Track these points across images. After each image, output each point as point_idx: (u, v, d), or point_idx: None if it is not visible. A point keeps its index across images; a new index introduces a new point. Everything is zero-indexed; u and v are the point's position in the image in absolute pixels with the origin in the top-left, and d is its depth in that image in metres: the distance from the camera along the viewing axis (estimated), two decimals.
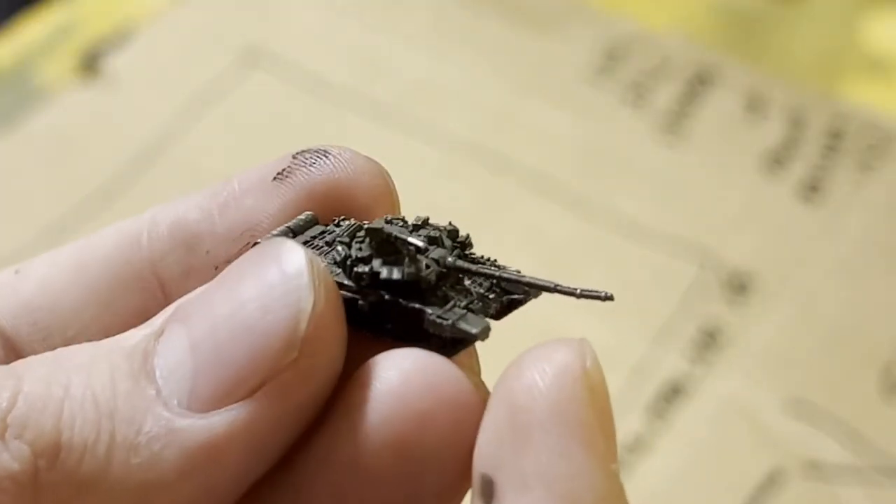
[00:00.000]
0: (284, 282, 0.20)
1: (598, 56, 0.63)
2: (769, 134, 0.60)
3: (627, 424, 0.49)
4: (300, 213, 0.23)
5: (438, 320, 0.21)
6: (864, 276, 0.55)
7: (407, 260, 0.21)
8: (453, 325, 0.21)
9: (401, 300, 0.21)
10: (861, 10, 0.66)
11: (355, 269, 0.21)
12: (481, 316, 0.22)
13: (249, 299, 0.20)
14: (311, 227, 0.23)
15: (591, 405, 0.20)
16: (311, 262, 0.20)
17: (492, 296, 0.22)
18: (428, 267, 0.21)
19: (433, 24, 0.65)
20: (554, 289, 0.22)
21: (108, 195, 0.57)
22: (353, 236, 0.22)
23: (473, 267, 0.22)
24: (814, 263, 0.55)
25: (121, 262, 0.23)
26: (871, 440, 0.49)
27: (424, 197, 0.58)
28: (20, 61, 0.63)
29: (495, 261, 0.23)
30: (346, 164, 0.23)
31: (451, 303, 0.21)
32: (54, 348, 0.21)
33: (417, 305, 0.21)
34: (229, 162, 0.59)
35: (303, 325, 0.20)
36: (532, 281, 0.22)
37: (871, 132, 0.60)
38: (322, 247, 0.22)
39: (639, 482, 0.48)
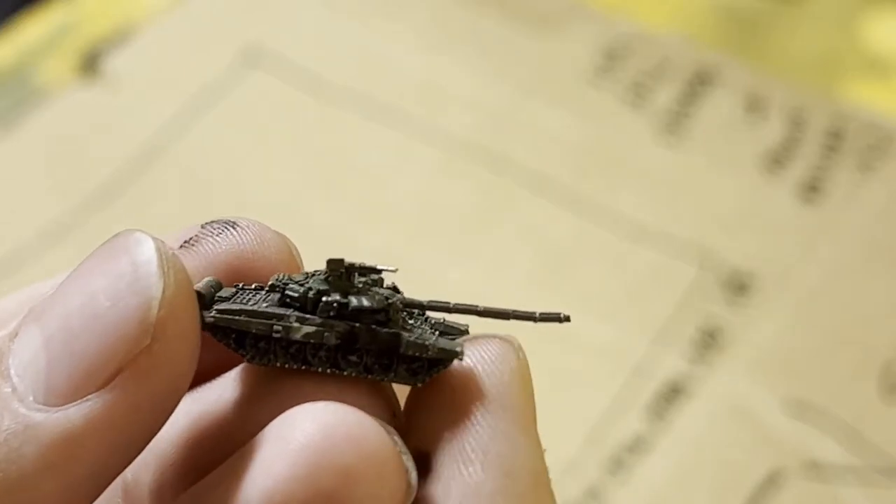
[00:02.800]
0: (134, 270, 0.20)
1: (598, 56, 0.63)
2: (769, 134, 0.60)
3: (627, 424, 0.49)
4: (204, 278, 0.23)
5: (419, 341, 0.21)
6: (864, 276, 0.55)
7: (371, 290, 0.22)
8: (435, 345, 0.21)
9: (374, 326, 0.21)
10: (861, 10, 0.66)
11: (323, 299, 0.21)
12: (451, 339, 0.22)
13: (99, 290, 0.20)
14: (219, 289, 0.23)
15: (525, 392, 0.21)
16: (160, 250, 0.20)
17: (436, 333, 0.22)
18: (387, 298, 0.22)
19: (433, 25, 0.65)
20: (511, 315, 0.23)
21: (108, 195, 0.57)
22: (290, 281, 0.22)
23: (425, 302, 0.22)
24: (814, 263, 0.55)
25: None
26: (871, 440, 0.49)
27: (424, 197, 0.58)
28: (20, 61, 0.63)
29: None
30: (252, 237, 0.23)
31: (419, 330, 0.22)
32: None
33: (394, 330, 0.21)
34: (229, 162, 0.59)
35: (154, 311, 0.20)
36: (488, 309, 0.23)
37: (871, 132, 0.60)
38: (253, 295, 0.22)
39: (639, 482, 0.48)
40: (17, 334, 0.21)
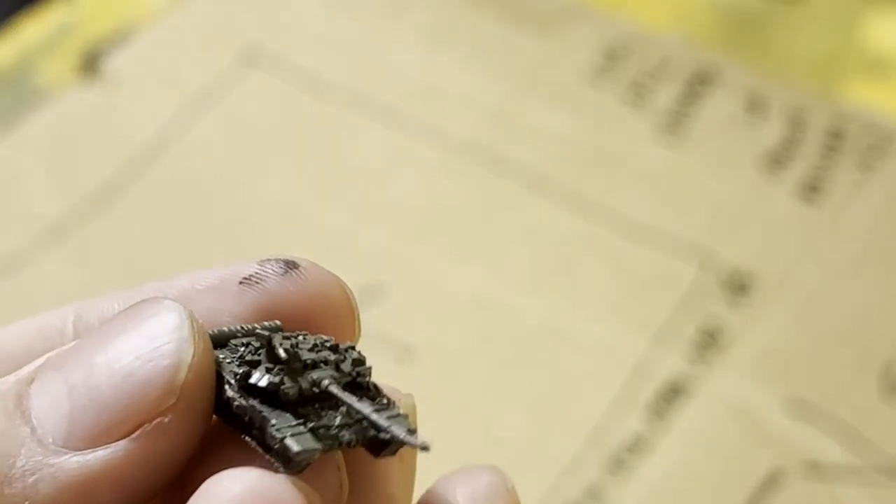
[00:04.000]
0: (165, 333, 0.21)
1: (598, 56, 0.63)
2: (769, 134, 0.60)
3: (627, 424, 0.49)
4: (265, 320, 0.23)
5: (275, 433, 0.21)
6: (864, 276, 0.55)
7: (277, 369, 0.22)
8: (282, 441, 0.21)
9: (256, 406, 0.22)
10: (861, 10, 0.66)
11: (231, 370, 0.22)
12: (316, 440, 0.21)
13: (128, 349, 0.21)
14: (277, 331, 0.23)
15: None
16: (190, 317, 0.21)
17: (364, 424, 0.22)
18: (297, 383, 0.22)
19: (433, 24, 0.65)
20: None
21: (107, 195, 0.57)
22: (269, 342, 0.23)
23: (342, 395, 0.22)
24: (814, 263, 0.55)
25: (42, 351, 0.23)
26: (871, 440, 0.49)
27: (424, 197, 0.58)
28: (20, 61, 0.63)
29: (384, 400, 0.23)
30: (315, 279, 0.24)
31: (303, 420, 0.21)
32: None
33: (266, 413, 0.21)
34: (229, 162, 0.59)
35: (182, 373, 0.21)
36: (377, 421, 0.22)
37: (871, 132, 0.60)
38: (247, 346, 0.23)
39: (639, 482, 0.48)
40: (33, 380, 0.21)
